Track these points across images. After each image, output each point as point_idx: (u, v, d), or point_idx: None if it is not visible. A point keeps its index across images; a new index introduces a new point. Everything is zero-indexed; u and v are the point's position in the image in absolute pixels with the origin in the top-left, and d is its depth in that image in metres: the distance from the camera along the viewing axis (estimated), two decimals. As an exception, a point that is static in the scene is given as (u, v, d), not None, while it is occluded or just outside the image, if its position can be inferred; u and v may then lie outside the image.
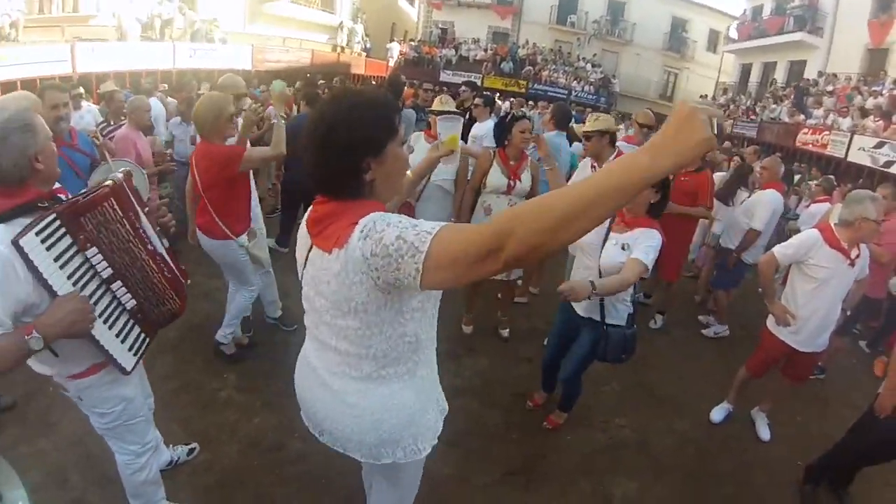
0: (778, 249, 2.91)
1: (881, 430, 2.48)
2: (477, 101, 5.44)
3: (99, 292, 1.60)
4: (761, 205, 4.36)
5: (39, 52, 9.71)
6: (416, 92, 7.60)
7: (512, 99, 15.92)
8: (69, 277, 1.49)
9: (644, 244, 2.41)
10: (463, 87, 7.02)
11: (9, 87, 8.72)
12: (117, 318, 1.67)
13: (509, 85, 21.68)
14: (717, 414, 3.40)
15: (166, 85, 9.69)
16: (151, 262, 1.76)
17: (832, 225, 2.82)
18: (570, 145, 5.24)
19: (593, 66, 23.85)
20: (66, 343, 1.50)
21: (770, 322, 3.05)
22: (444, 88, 15.02)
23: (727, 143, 12.93)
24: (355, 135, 1.19)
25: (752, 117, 16.81)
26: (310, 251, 1.33)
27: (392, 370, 1.38)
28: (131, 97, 5.62)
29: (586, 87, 22.44)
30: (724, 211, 4.85)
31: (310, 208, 1.36)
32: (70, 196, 1.69)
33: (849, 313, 3.93)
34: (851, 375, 4.31)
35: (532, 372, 3.69)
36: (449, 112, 3.70)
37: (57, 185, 1.96)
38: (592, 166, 3.75)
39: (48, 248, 1.43)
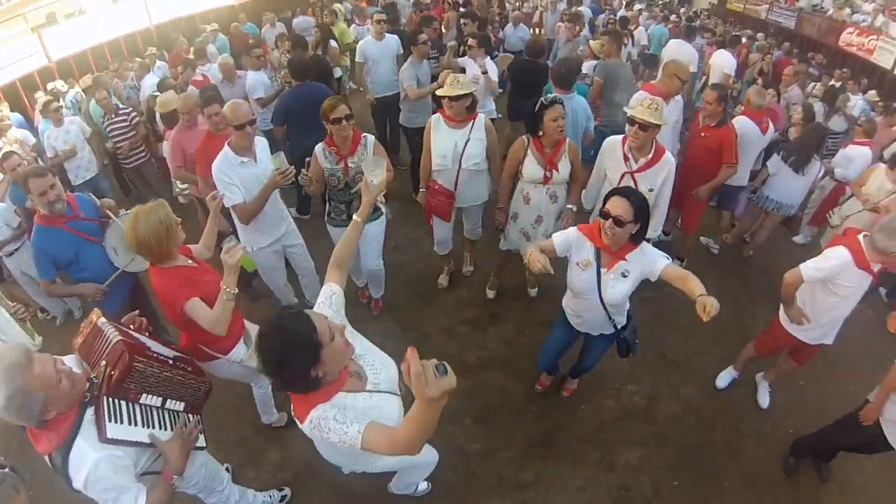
0: (807, 271, 2.86)
1: (863, 433, 2.79)
2: (471, 41, 5.35)
3: (161, 416, 2.15)
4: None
5: (8, 54, 9.38)
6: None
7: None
8: (143, 426, 2.00)
9: (649, 258, 2.56)
10: (463, 21, 6.87)
11: None
12: (178, 420, 2.24)
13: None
14: (723, 380, 3.81)
15: (153, 49, 9.44)
16: (176, 371, 2.26)
17: (861, 240, 2.75)
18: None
19: None
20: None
21: (782, 317, 3.22)
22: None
23: (760, 35, 12.26)
24: (295, 367, 1.59)
25: (793, 4, 15.12)
26: None
27: None
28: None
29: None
30: (787, 177, 4.69)
31: None
32: None
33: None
34: (864, 331, 4.28)
35: None
36: (460, 96, 3.56)
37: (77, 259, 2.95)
38: (626, 159, 3.48)
39: (120, 422, 1.91)
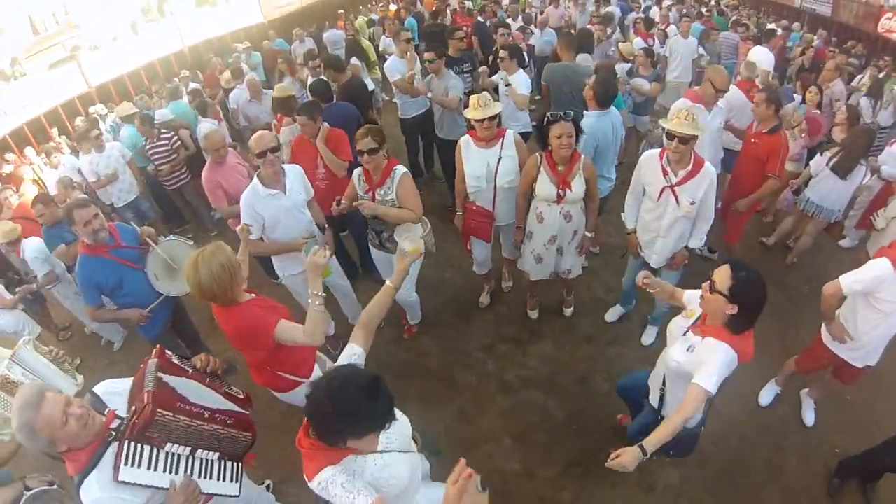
0: (846, 282, 2.80)
1: None
2: (502, 53, 5.35)
3: (189, 463, 2.27)
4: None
5: (47, 81, 9.98)
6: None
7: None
8: (164, 471, 2.13)
9: (708, 365, 2.26)
10: (502, 31, 6.89)
11: (34, 125, 9.31)
12: (213, 468, 2.36)
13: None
14: (766, 397, 3.78)
15: (186, 71, 9.87)
16: (212, 423, 2.32)
17: None
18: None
19: None
20: None
21: (824, 334, 3.16)
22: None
23: (796, 25, 11.89)
24: (349, 424, 1.64)
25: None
26: None
27: None
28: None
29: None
30: (829, 179, 4.61)
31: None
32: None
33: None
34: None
35: (593, 353, 4.24)
36: (491, 117, 3.60)
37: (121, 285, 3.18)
38: (665, 172, 3.35)
39: (138, 466, 2.04)
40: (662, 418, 2.72)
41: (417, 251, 2.44)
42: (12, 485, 2.61)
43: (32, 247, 4.77)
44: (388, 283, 2.36)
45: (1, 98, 9.26)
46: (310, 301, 2.50)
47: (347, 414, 1.62)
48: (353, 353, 2.09)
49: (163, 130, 6.20)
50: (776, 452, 3.50)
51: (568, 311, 4.63)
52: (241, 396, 2.61)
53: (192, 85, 8.62)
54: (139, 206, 6.31)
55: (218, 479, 2.37)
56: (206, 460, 2.35)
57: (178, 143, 6.23)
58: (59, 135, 8.71)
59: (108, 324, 4.94)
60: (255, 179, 3.44)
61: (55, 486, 2.54)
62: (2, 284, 4.81)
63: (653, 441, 2.27)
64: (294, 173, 3.58)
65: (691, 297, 2.64)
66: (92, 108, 9.09)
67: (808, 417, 3.67)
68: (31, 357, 3.16)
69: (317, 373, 3.01)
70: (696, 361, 2.34)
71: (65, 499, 2.53)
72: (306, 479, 1.76)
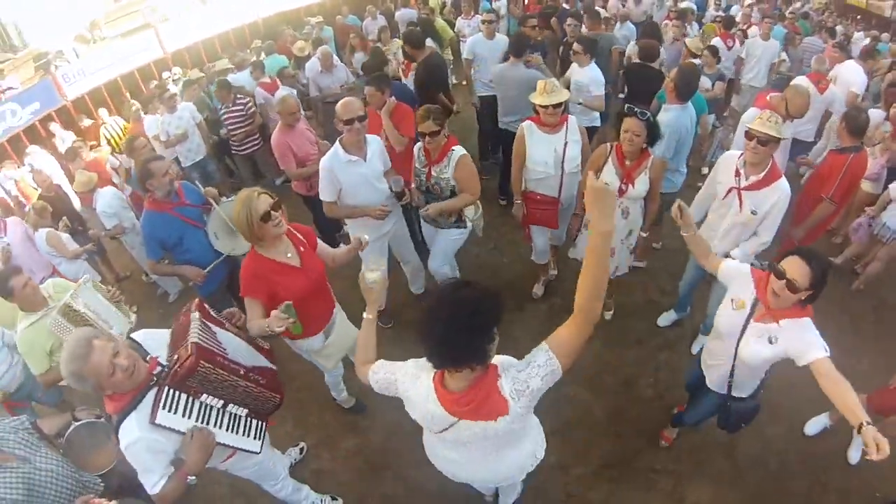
0: None
1: None
2: (576, 46, 5.25)
3: (220, 416, 2.41)
4: None
5: (125, 46, 10.53)
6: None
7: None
8: (196, 419, 2.27)
9: (811, 340, 2.26)
10: (568, 22, 6.66)
11: (111, 87, 9.84)
12: (239, 424, 2.51)
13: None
14: (812, 427, 3.63)
15: (258, 41, 10.13)
16: (246, 381, 2.45)
17: None
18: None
19: None
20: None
21: None
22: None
23: (885, 35, 11.09)
24: (493, 315, 1.71)
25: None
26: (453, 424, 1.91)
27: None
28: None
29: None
30: None
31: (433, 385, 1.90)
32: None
33: None
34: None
35: (640, 357, 4.22)
36: (555, 104, 3.59)
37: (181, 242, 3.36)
38: (737, 173, 3.26)
39: (174, 412, 2.18)
40: (734, 400, 2.83)
41: (378, 284, 2.37)
42: (62, 415, 2.86)
43: (104, 200, 5.09)
44: (365, 315, 2.33)
45: (81, 60, 9.76)
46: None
47: (488, 314, 1.71)
48: (381, 367, 2.14)
49: (238, 96, 6.41)
50: (815, 486, 3.39)
51: (608, 315, 4.57)
52: (266, 347, 2.79)
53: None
54: (205, 167, 6.57)
55: (243, 435, 2.52)
56: (235, 415, 2.50)
57: (253, 108, 6.43)
58: (132, 98, 9.13)
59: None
60: (337, 144, 3.50)
61: (102, 420, 2.73)
62: (67, 232, 5.11)
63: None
64: (375, 143, 3.65)
65: (730, 275, 2.65)
66: (166, 74, 9.50)
67: (854, 456, 3.49)
68: (90, 294, 3.37)
69: (314, 342, 3.10)
70: (788, 348, 2.35)
71: (110, 432, 2.71)
72: (500, 419, 1.85)
